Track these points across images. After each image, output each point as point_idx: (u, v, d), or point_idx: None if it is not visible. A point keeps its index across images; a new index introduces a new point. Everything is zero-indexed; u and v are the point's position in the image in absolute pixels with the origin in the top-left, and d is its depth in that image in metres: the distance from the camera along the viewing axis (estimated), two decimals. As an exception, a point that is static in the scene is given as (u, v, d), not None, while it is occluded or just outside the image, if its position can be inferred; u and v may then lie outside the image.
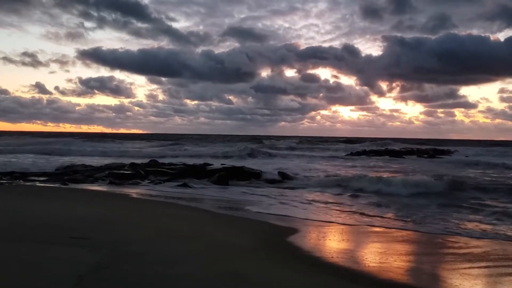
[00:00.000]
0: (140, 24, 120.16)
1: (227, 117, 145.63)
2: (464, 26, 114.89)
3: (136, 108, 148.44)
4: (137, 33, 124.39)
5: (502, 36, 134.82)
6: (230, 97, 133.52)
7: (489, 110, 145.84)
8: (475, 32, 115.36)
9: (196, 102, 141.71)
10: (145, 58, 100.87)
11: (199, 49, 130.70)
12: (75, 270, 5.03)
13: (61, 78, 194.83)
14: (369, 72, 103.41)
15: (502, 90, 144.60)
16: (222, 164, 21.36)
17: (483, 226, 9.56)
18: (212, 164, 21.61)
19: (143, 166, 20.63)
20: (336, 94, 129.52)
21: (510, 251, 7.62)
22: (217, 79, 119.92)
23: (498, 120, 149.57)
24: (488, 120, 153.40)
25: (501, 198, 13.63)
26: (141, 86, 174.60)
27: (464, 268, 6.36)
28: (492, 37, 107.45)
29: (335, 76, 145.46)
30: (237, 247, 7.12)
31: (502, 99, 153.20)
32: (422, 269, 6.42)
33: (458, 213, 11.11)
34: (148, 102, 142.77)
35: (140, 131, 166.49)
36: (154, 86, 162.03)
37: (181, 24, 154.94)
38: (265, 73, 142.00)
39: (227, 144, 55.86)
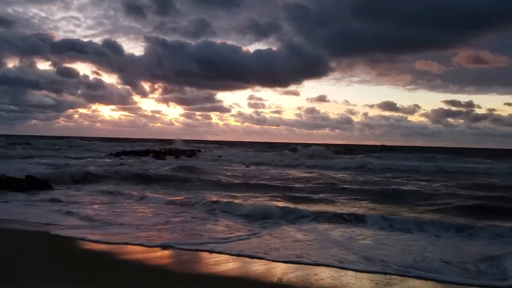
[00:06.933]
0: None
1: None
2: (222, 34, 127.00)
3: None
4: None
5: (252, 48, 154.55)
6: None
7: (240, 114, 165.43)
8: (230, 42, 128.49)
9: None
10: None
11: None
12: None
13: None
14: (132, 71, 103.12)
15: (251, 97, 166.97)
16: None
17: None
18: None
19: None
20: (97, 92, 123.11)
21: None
22: None
23: (246, 124, 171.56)
24: (238, 123, 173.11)
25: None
26: None
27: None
28: (244, 48, 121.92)
29: (96, 73, 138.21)
30: None
31: (250, 105, 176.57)
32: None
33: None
34: None
35: None
36: None
37: None
38: (12, 63, 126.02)
39: None
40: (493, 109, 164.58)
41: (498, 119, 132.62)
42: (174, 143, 64.21)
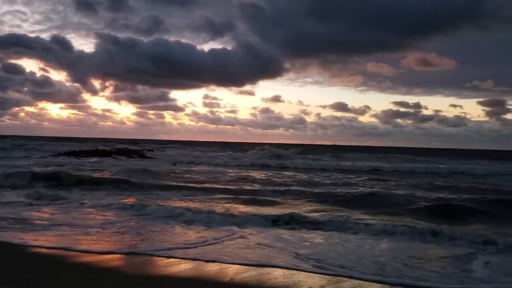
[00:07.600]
0: None
1: None
2: (175, 32, 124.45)
3: None
4: None
5: (207, 47, 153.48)
6: None
7: (194, 114, 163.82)
8: (184, 40, 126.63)
9: None
10: None
11: None
12: None
13: None
14: (81, 68, 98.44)
15: (206, 96, 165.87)
16: None
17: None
18: None
19: None
20: (44, 90, 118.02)
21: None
22: None
23: (201, 123, 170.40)
24: (193, 123, 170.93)
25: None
26: None
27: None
28: (199, 47, 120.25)
29: (44, 70, 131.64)
30: None
31: (205, 104, 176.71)
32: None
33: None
34: None
35: None
36: None
37: None
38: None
39: None
40: (439, 111, 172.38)
41: (443, 120, 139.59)
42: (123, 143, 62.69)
